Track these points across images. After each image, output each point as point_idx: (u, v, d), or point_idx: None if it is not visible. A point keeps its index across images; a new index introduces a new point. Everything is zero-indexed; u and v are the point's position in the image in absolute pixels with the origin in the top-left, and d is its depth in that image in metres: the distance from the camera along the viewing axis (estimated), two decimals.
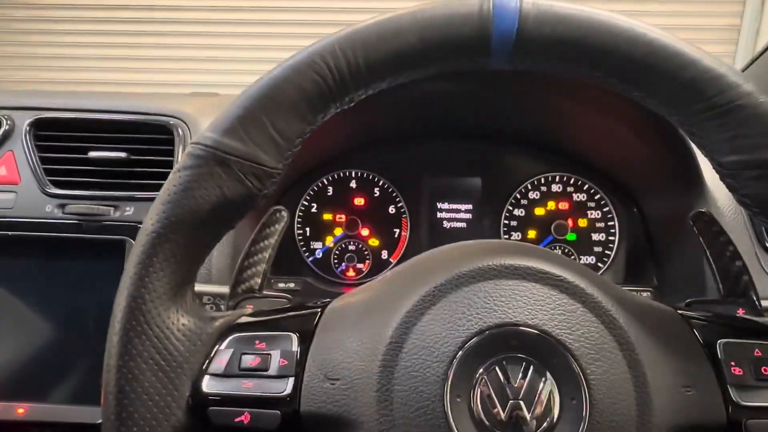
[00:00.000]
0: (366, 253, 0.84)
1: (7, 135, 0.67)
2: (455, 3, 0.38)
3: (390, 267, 0.84)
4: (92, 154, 0.65)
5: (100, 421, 0.58)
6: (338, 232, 0.84)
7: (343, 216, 0.84)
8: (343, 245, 0.84)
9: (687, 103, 0.37)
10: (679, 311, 0.41)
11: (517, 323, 0.35)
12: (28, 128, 0.67)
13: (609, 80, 0.39)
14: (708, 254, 0.49)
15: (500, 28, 0.37)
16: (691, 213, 0.50)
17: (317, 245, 0.84)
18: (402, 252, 0.84)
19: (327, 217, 0.84)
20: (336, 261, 0.84)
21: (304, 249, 0.84)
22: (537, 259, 0.38)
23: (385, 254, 0.84)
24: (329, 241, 0.84)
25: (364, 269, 0.84)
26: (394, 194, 0.84)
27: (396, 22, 0.38)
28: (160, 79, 2.23)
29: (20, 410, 0.59)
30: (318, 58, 0.38)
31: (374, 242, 0.84)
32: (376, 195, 0.84)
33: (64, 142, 0.67)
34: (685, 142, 0.65)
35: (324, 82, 0.38)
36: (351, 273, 0.84)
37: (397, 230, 0.84)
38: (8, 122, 0.67)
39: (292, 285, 0.75)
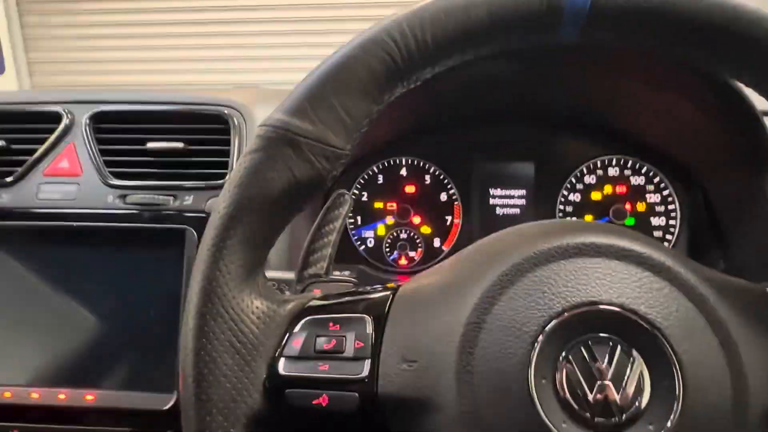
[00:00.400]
0: (418, 241, 0.83)
1: (68, 128, 0.68)
2: None
3: (443, 255, 0.83)
4: (150, 144, 0.66)
5: (167, 407, 0.59)
6: (390, 220, 0.83)
7: (395, 204, 0.83)
8: (395, 233, 0.83)
9: None
10: None
11: (601, 302, 0.34)
12: (87, 121, 0.68)
13: (688, 52, 0.37)
14: None
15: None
16: None
17: (369, 234, 0.84)
18: (455, 239, 0.83)
19: (378, 205, 0.84)
20: (388, 249, 0.83)
21: (355, 237, 0.83)
22: (620, 237, 0.37)
23: (437, 242, 0.83)
24: (381, 229, 0.83)
25: (416, 257, 0.83)
26: (446, 181, 0.83)
27: None
28: (197, 80, 2.26)
29: (89, 397, 0.60)
30: (386, 36, 0.37)
31: (426, 230, 0.83)
32: (427, 182, 0.83)
33: (122, 134, 0.68)
34: (758, 119, 0.62)
35: (392, 60, 0.37)
36: (403, 261, 0.83)
37: (449, 217, 0.83)
38: (69, 116, 0.68)
39: (347, 273, 0.75)
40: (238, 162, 0.38)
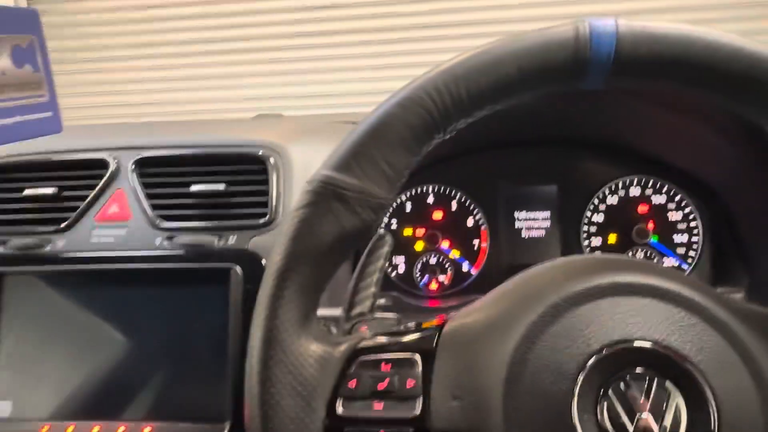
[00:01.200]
0: (447, 265, 0.86)
1: (115, 175, 0.72)
2: (551, 30, 0.40)
3: (472, 278, 0.85)
4: (194, 188, 0.69)
5: None
6: (419, 246, 0.86)
7: (423, 230, 0.86)
8: (425, 259, 0.86)
9: None
10: None
11: (636, 339, 0.37)
12: (133, 167, 0.72)
13: (708, 96, 0.40)
14: None
15: (598, 52, 0.39)
16: None
17: (399, 260, 0.87)
18: (483, 263, 0.85)
19: (407, 232, 0.87)
20: (419, 275, 0.86)
21: (387, 265, 0.86)
22: (651, 275, 0.39)
23: (466, 266, 0.86)
24: (410, 255, 0.86)
25: (446, 282, 0.86)
26: (471, 206, 0.86)
27: (494, 53, 0.40)
28: (208, 97, 2.31)
29: (147, 429, 0.64)
30: (423, 94, 0.40)
31: (455, 254, 0.86)
32: (453, 208, 0.86)
33: (165, 178, 0.72)
34: None
35: (430, 116, 0.40)
36: (434, 286, 0.86)
37: (477, 241, 0.86)
38: (115, 162, 0.72)
39: (382, 301, 0.78)
40: (291, 216, 0.41)
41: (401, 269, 0.86)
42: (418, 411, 0.39)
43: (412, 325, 0.46)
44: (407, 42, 2.12)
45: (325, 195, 0.40)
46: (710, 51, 0.38)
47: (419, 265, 0.86)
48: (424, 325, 0.45)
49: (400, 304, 0.82)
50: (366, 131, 0.41)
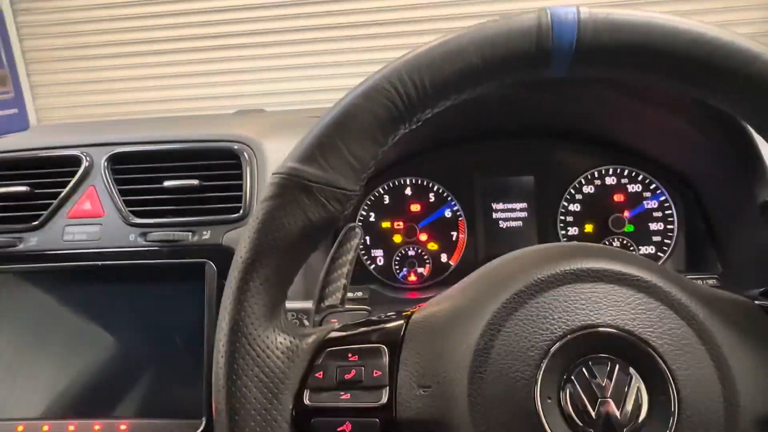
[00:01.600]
0: (426, 257, 0.86)
1: (88, 171, 0.72)
2: (513, 19, 0.40)
3: (451, 270, 0.86)
4: (167, 183, 0.69)
5: None
6: (397, 239, 0.86)
7: (401, 223, 0.86)
8: (403, 251, 0.86)
9: (753, 99, 0.38)
10: (757, 302, 0.42)
11: (599, 325, 0.37)
12: (105, 163, 0.72)
13: (671, 83, 0.40)
14: None
15: (560, 41, 0.39)
16: (759, 202, 0.50)
17: (378, 253, 0.87)
18: (461, 254, 0.86)
19: (385, 225, 0.87)
20: (397, 267, 0.86)
21: (365, 257, 0.87)
22: (613, 261, 0.40)
23: (444, 257, 0.86)
24: (389, 248, 0.86)
25: (425, 273, 0.86)
26: (449, 198, 0.86)
27: (457, 42, 0.40)
28: (197, 94, 2.30)
29: (123, 426, 0.63)
30: (387, 84, 0.40)
31: (433, 246, 0.86)
32: (431, 200, 0.87)
33: (139, 174, 0.72)
34: (746, 132, 0.65)
35: (394, 106, 0.40)
36: (413, 278, 0.86)
37: (455, 233, 0.86)
38: (87, 159, 0.72)
39: (360, 294, 0.78)
40: (256, 209, 0.41)
41: (380, 261, 0.86)
42: (384, 400, 0.39)
43: (381, 316, 0.46)
44: (391, 37, 2.12)
45: (290, 187, 0.40)
46: (670, 38, 0.38)
47: (398, 258, 0.86)
48: (393, 316, 0.45)
49: (378, 296, 0.82)
50: (330, 123, 0.41)
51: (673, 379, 0.35)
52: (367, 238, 0.87)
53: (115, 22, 2.28)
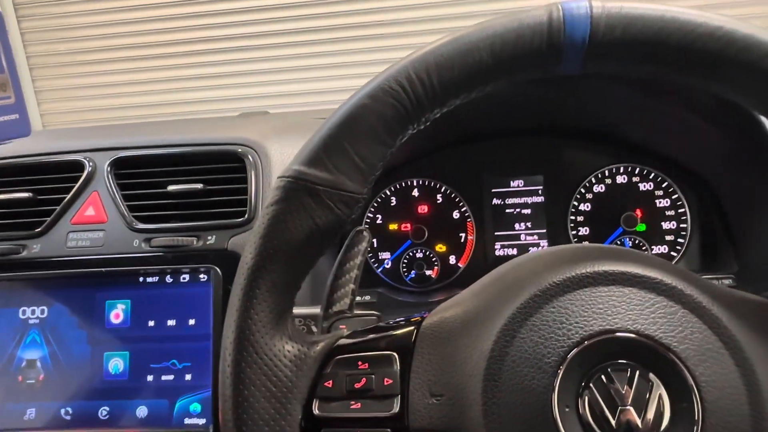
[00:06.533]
0: (434, 259, 0.85)
1: (91, 176, 0.71)
2: (523, 15, 0.39)
3: (459, 272, 0.84)
4: (171, 187, 0.68)
5: None
6: (405, 241, 0.85)
7: (409, 225, 0.85)
8: (411, 253, 0.85)
9: None
10: None
11: (617, 329, 0.36)
12: (108, 168, 0.71)
13: (687, 77, 0.39)
14: None
15: (572, 36, 0.38)
16: None
17: (385, 255, 0.85)
18: (470, 256, 0.84)
19: (393, 227, 0.85)
20: (405, 270, 0.85)
21: (372, 260, 0.85)
22: (631, 263, 0.38)
23: (453, 259, 0.85)
24: (397, 250, 0.85)
25: (433, 276, 0.85)
26: (457, 199, 0.85)
27: (466, 40, 0.39)
28: (198, 97, 2.30)
29: None
30: (394, 84, 0.39)
31: (441, 248, 0.85)
32: (439, 202, 0.85)
33: (143, 179, 0.71)
34: (761, 126, 0.64)
35: (401, 106, 0.39)
36: (421, 280, 0.85)
37: (463, 234, 0.85)
38: (90, 164, 0.71)
39: (367, 297, 0.77)
40: (261, 213, 0.40)
41: (387, 264, 0.85)
42: (396, 410, 0.38)
43: (391, 322, 0.45)
44: (397, 37, 2.11)
45: (295, 190, 0.39)
46: (686, 31, 0.37)
47: (405, 260, 0.85)
48: (403, 322, 0.43)
49: (386, 300, 0.81)
50: (336, 124, 0.40)
51: (696, 386, 0.34)
52: (374, 240, 0.85)
53: (119, 26, 2.28)
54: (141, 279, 0.66)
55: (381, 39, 2.13)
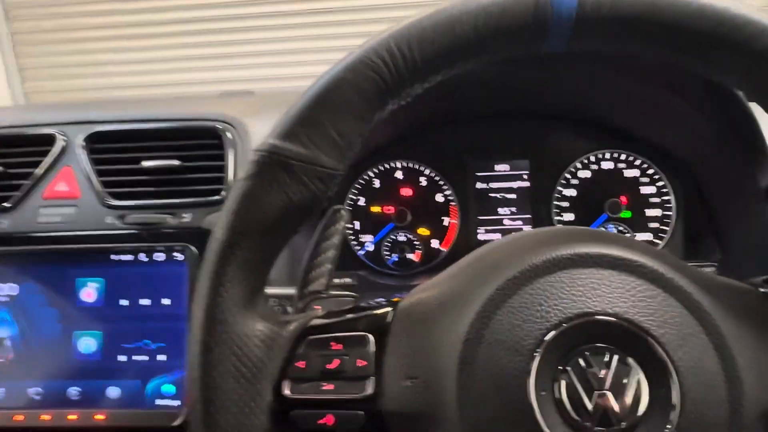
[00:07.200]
0: (416, 243, 0.84)
1: (64, 150, 0.69)
2: None
3: (442, 256, 0.83)
4: (145, 163, 0.66)
5: (176, 423, 0.60)
6: (388, 224, 0.84)
7: (392, 207, 0.84)
8: (393, 236, 0.84)
9: (760, 74, 0.36)
10: (762, 289, 0.39)
11: (596, 313, 0.35)
12: (83, 143, 0.68)
13: (674, 56, 0.38)
14: None
15: (559, 11, 0.36)
16: (764, 184, 0.48)
17: (367, 238, 0.84)
18: (453, 240, 0.83)
19: (375, 209, 0.84)
20: (387, 253, 0.84)
21: (354, 243, 0.84)
22: (612, 246, 0.37)
23: (435, 243, 0.84)
24: (379, 233, 0.84)
25: (415, 259, 0.84)
26: (441, 182, 0.84)
27: (449, 12, 0.37)
28: (185, 78, 2.26)
29: (99, 416, 0.61)
30: (374, 56, 0.37)
31: (424, 232, 0.84)
32: (422, 185, 0.84)
33: (118, 154, 0.69)
34: (747, 111, 0.63)
35: (381, 80, 0.38)
36: (403, 264, 0.84)
37: (446, 218, 0.84)
38: (63, 138, 0.69)
39: (348, 280, 0.76)
40: (233, 188, 0.38)
41: (369, 247, 0.84)
42: (369, 391, 0.37)
43: (367, 303, 0.43)
44: (385, 22, 2.08)
45: (270, 165, 0.38)
46: (676, 8, 0.36)
47: (388, 243, 0.84)
48: (379, 303, 0.42)
49: (367, 283, 0.79)
50: (313, 97, 0.38)
51: (674, 370, 0.33)
52: (357, 222, 0.84)
53: (107, 3, 2.22)
54: (114, 257, 0.65)
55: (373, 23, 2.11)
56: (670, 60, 0.38)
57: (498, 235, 0.83)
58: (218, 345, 0.37)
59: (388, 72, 0.37)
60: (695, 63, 0.38)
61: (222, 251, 0.38)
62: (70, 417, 0.61)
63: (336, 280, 0.76)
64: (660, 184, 0.80)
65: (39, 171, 0.68)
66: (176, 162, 0.66)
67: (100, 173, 0.67)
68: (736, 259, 0.71)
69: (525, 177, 0.83)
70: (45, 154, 0.69)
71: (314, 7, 2.13)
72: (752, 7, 0.36)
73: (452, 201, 0.84)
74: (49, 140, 0.69)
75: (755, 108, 0.64)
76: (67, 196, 0.67)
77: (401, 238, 0.84)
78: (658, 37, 0.37)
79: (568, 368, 0.34)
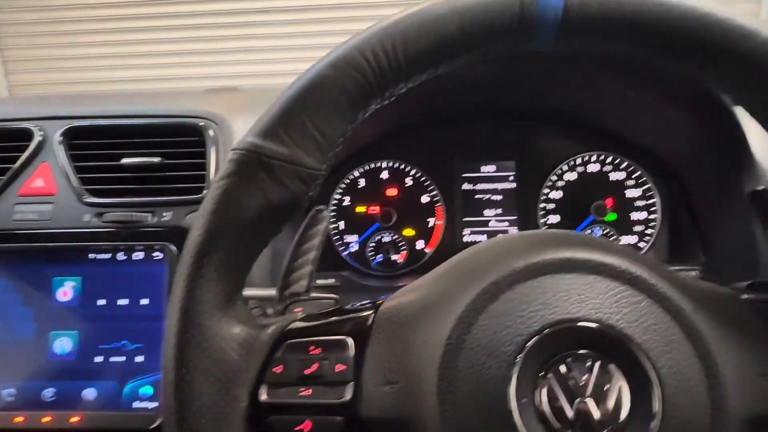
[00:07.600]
0: (401, 244, 0.83)
1: (41, 146, 0.67)
2: None
3: (427, 257, 0.83)
4: (125, 160, 0.65)
5: (153, 426, 0.59)
6: (373, 224, 0.83)
7: (377, 208, 0.83)
8: (378, 237, 0.83)
9: (745, 78, 0.35)
10: (744, 295, 0.39)
11: (579, 319, 0.34)
12: (60, 138, 0.67)
13: (661, 58, 0.37)
14: (766, 233, 0.47)
15: (545, 11, 0.36)
16: (748, 190, 0.47)
17: (352, 239, 0.83)
18: (438, 241, 0.83)
19: (360, 209, 0.83)
20: (372, 253, 0.83)
21: (338, 243, 0.83)
22: (596, 251, 0.37)
23: (420, 244, 0.83)
24: (364, 233, 0.83)
25: (400, 260, 0.83)
26: (427, 183, 0.83)
27: (434, 11, 0.37)
28: (172, 74, 2.24)
29: (74, 419, 0.59)
30: (357, 54, 0.37)
31: (409, 232, 0.83)
32: (408, 185, 0.83)
33: (96, 150, 0.67)
34: (732, 116, 0.63)
35: (365, 79, 0.37)
36: (388, 265, 0.83)
37: (432, 219, 0.83)
38: (41, 133, 0.67)
39: (331, 281, 0.75)
40: (211, 188, 0.37)
41: (354, 247, 0.83)
42: (348, 397, 0.36)
43: (347, 306, 0.43)
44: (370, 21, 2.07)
45: (249, 164, 0.37)
46: (663, 9, 0.35)
47: (372, 243, 0.83)
48: (360, 306, 0.41)
49: (351, 284, 0.79)
50: (294, 95, 0.37)
51: (657, 377, 0.33)
52: (341, 223, 0.83)
53: None
54: (91, 256, 0.63)
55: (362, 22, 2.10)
56: (657, 62, 0.37)
57: (483, 237, 0.83)
58: (193, 349, 0.36)
59: (372, 71, 0.36)
60: (681, 65, 0.37)
61: (198, 252, 0.37)
62: (45, 419, 0.60)
63: (319, 281, 0.75)
64: (646, 187, 0.80)
65: (14, 167, 0.66)
66: (157, 159, 0.64)
67: (78, 170, 0.66)
68: (720, 264, 0.71)
69: (511, 178, 0.83)
70: (21, 149, 0.67)
71: (302, 3, 2.12)
72: (738, 12, 0.36)
73: (438, 202, 0.83)
74: (26, 135, 0.67)
75: (742, 113, 0.64)
76: (44, 193, 0.65)
77: (386, 238, 0.83)
78: (644, 39, 0.36)
79: (550, 375, 0.33)
